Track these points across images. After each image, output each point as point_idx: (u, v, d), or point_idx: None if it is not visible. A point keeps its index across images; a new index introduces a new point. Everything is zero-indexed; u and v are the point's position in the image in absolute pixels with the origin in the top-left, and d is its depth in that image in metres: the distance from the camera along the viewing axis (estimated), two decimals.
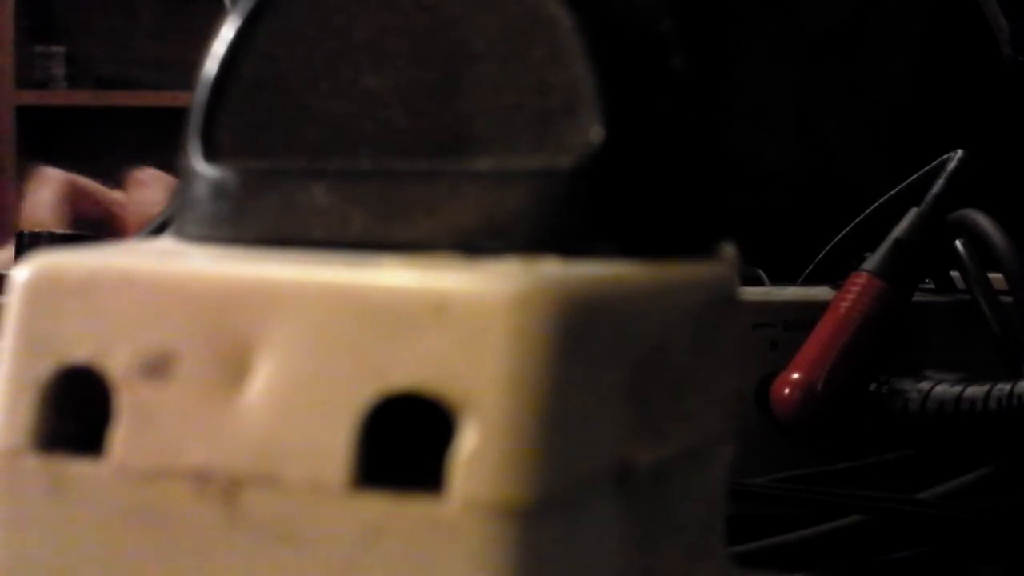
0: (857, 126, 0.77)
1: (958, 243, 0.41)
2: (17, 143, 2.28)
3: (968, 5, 0.61)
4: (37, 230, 0.54)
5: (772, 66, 0.76)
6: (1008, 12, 0.57)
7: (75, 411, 0.18)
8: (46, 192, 0.61)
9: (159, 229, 0.44)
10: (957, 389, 0.37)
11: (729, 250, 0.20)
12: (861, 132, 0.77)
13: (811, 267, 0.49)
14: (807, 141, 0.76)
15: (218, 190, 0.19)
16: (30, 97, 2.30)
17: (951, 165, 0.42)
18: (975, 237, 0.41)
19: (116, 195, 0.65)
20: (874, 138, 0.76)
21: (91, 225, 0.62)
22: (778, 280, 0.48)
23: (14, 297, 0.18)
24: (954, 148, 0.43)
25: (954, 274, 0.43)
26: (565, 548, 0.16)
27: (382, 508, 0.16)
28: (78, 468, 0.17)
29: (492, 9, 0.19)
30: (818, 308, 0.41)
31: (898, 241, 0.42)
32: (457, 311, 0.16)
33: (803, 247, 0.49)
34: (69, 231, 0.59)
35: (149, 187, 0.64)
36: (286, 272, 0.17)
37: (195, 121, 0.20)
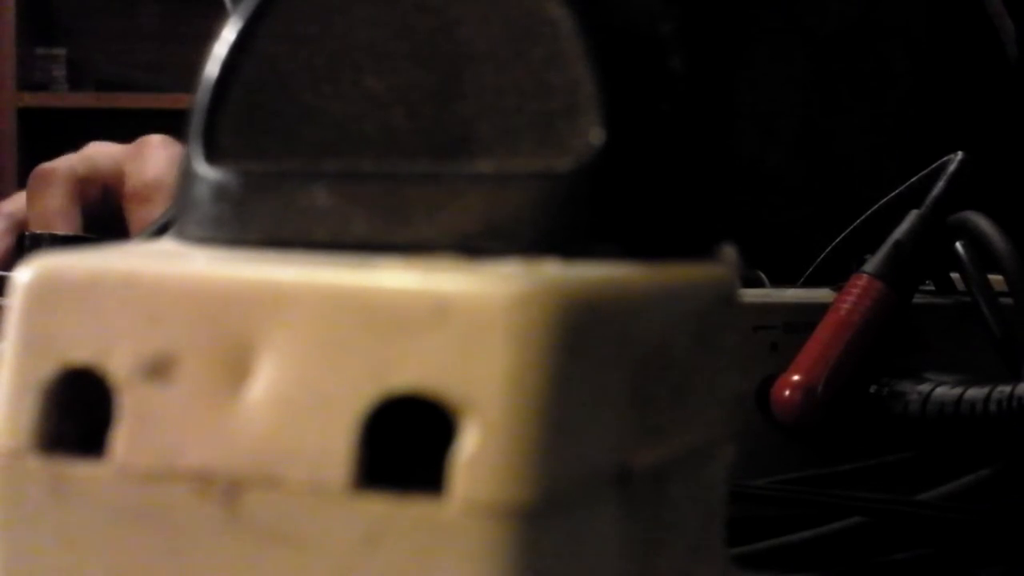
0: (861, 128, 0.77)
1: (958, 245, 0.42)
2: (18, 145, 2.28)
3: (973, 7, 0.61)
4: (38, 231, 0.54)
5: (776, 68, 0.76)
6: (1013, 13, 0.57)
7: (76, 412, 0.18)
8: (54, 197, 0.60)
9: (160, 231, 0.44)
10: (957, 391, 0.37)
11: (729, 252, 0.20)
12: (865, 134, 0.77)
13: (811, 269, 0.49)
14: (810, 143, 0.76)
15: (219, 192, 0.19)
16: (31, 99, 2.30)
17: (951, 167, 0.42)
18: (975, 239, 0.41)
19: (119, 157, 0.64)
20: (878, 140, 0.76)
21: (101, 210, 0.61)
22: (778, 282, 0.48)
23: (16, 299, 0.18)
24: (959, 150, 0.43)
25: (954, 276, 0.43)
26: (565, 549, 0.16)
27: (383, 510, 0.16)
28: (79, 469, 0.17)
29: (493, 11, 0.19)
30: (818, 310, 0.41)
31: (898, 243, 0.42)
32: (458, 313, 0.16)
33: (803, 249, 0.49)
34: (79, 233, 0.58)
35: (156, 149, 0.63)
36: (287, 274, 0.17)
37: (196, 123, 0.20)
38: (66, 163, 0.62)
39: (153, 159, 0.63)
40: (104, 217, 0.61)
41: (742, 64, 0.75)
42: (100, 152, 0.64)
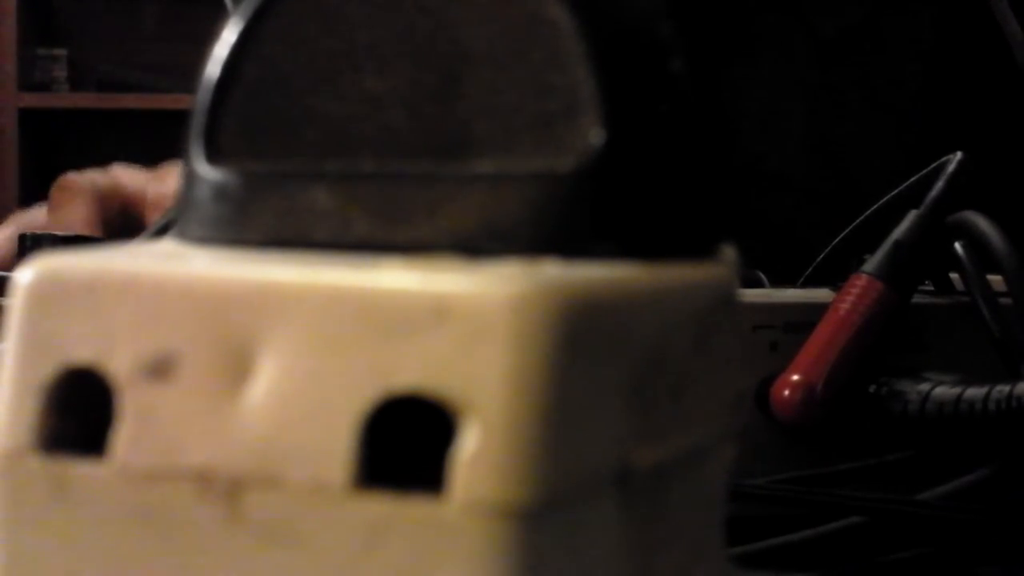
0: (867, 131, 0.77)
1: (957, 245, 0.42)
2: (19, 145, 2.28)
3: (981, 11, 0.61)
4: (39, 232, 0.54)
5: (782, 69, 0.76)
6: (1022, 19, 0.56)
7: (78, 412, 0.18)
8: (77, 210, 0.61)
9: (162, 231, 0.44)
10: (956, 390, 0.37)
11: (729, 252, 0.20)
12: (871, 137, 0.77)
13: (811, 269, 0.49)
14: (816, 145, 0.76)
15: (220, 192, 0.19)
16: (32, 99, 2.30)
17: (950, 167, 0.42)
18: (974, 239, 0.41)
19: (143, 180, 0.65)
20: (884, 143, 0.76)
21: (120, 227, 0.62)
22: (778, 282, 0.48)
23: (17, 299, 0.18)
24: (960, 151, 0.43)
25: (953, 276, 0.43)
26: (565, 549, 0.16)
27: (383, 509, 0.16)
28: (80, 469, 0.17)
29: (493, 12, 0.19)
30: (818, 310, 0.41)
31: (897, 243, 0.42)
32: (458, 313, 0.16)
33: (803, 249, 0.50)
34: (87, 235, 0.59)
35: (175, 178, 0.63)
36: (288, 274, 0.17)
37: (197, 123, 0.20)
38: (89, 176, 0.63)
39: (176, 183, 0.63)
40: (122, 235, 0.62)
41: (746, 64, 0.75)
42: (124, 173, 0.65)
